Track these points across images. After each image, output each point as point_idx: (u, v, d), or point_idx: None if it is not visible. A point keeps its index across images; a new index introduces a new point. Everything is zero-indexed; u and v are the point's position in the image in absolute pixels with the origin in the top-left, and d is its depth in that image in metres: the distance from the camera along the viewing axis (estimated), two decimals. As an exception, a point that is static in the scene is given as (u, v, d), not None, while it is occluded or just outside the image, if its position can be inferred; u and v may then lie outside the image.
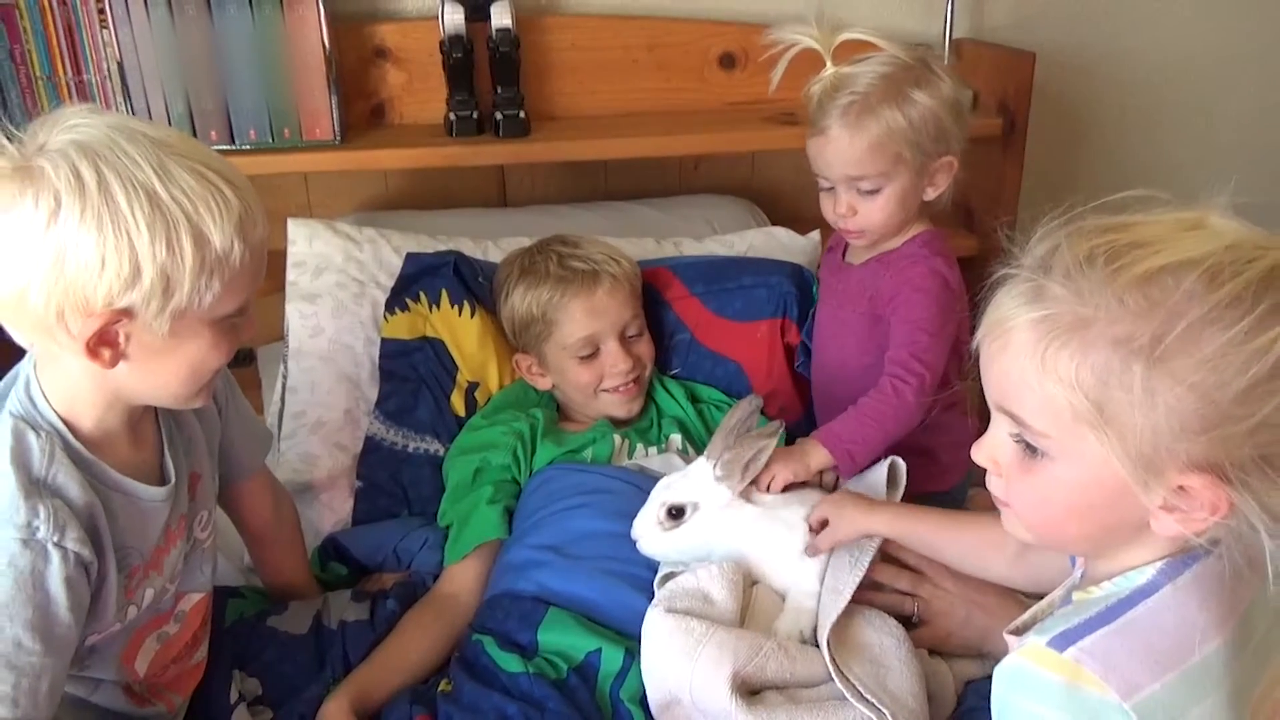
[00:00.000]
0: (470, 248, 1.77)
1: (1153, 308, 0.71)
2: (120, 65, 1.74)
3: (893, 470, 1.34)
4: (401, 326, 1.63)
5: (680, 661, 1.12)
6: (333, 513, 1.58)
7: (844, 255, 1.54)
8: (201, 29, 1.74)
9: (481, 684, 1.20)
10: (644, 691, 1.17)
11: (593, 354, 1.54)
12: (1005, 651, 0.86)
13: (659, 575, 1.27)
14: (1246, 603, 0.79)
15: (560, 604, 1.28)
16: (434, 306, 1.63)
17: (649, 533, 1.27)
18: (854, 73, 1.36)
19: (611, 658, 1.20)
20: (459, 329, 1.63)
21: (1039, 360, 0.75)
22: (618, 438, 1.54)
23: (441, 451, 1.58)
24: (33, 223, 0.90)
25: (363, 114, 1.97)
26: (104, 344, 0.96)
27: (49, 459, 0.99)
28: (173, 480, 1.12)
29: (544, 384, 1.60)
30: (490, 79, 1.88)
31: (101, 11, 1.71)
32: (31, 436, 0.99)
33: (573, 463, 1.47)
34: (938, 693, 1.18)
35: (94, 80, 1.76)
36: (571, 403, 1.61)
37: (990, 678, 1.20)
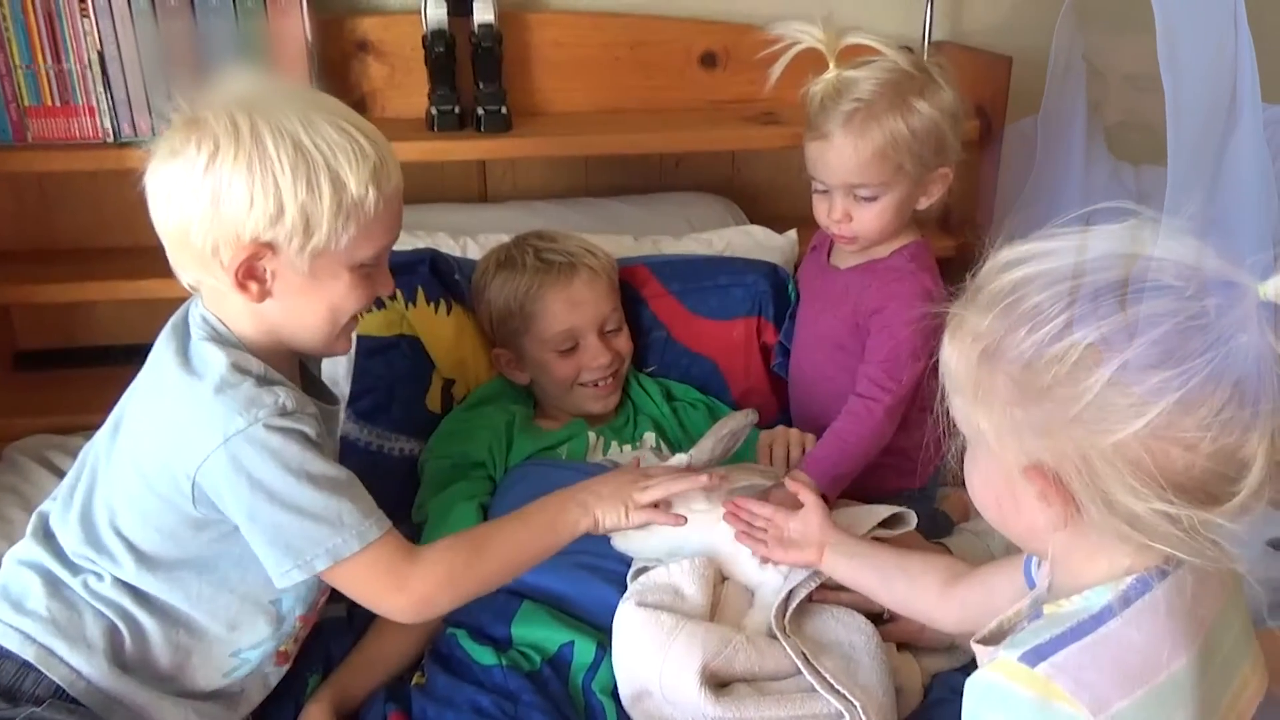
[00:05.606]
0: (449, 244, 1.77)
1: (1001, 314, 0.76)
2: (101, 55, 1.73)
3: (900, 516, 1.30)
4: (377, 323, 1.62)
5: (651, 654, 1.13)
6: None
7: (828, 257, 1.54)
8: (183, 20, 1.73)
9: (455, 676, 1.21)
10: (615, 683, 1.18)
11: (572, 348, 1.54)
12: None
13: (631, 570, 1.28)
14: (1212, 618, 0.80)
15: (533, 597, 1.29)
16: (410, 304, 1.63)
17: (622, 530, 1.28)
18: (857, 77, 1.34)
19: (584, 650, 1.21)
20: (435, 326, 1.63)
21: (943, 355, 0.82)
22: (592, 435, 1.54)
23: (417, 451, 1.58)
24: (195, 165, 1.02)
25: (344, 107, 1.97)
26: (251, 278, 1.05)
27: (259, 367, 1.08)
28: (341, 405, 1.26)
29: (521, 378, 1.61)
30: (472, 74, 1.88)
31: (82, 0, 1.70)
32: (237, 352, 1.08)
33: (548, 459, 1.47)
34: (904, 686, 1.19)
35: (74, 69, 1.74)
36: (548, 397, 1.61)
37: (958, 670, 1.23)
